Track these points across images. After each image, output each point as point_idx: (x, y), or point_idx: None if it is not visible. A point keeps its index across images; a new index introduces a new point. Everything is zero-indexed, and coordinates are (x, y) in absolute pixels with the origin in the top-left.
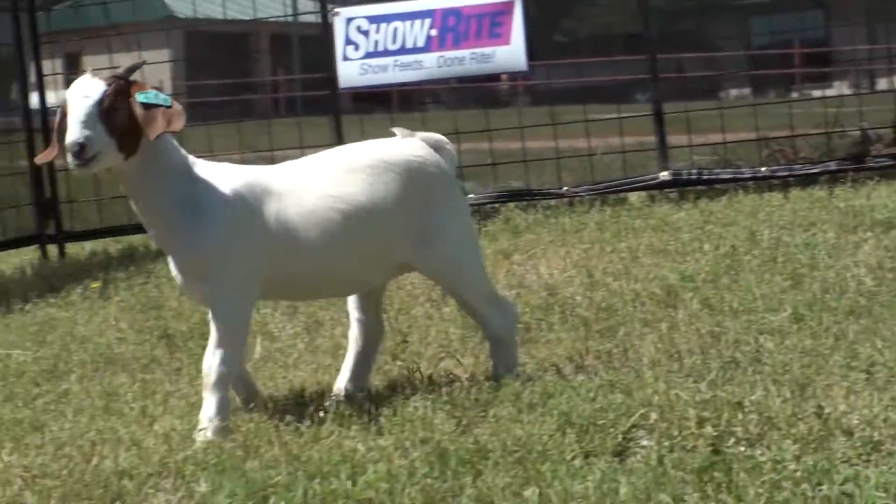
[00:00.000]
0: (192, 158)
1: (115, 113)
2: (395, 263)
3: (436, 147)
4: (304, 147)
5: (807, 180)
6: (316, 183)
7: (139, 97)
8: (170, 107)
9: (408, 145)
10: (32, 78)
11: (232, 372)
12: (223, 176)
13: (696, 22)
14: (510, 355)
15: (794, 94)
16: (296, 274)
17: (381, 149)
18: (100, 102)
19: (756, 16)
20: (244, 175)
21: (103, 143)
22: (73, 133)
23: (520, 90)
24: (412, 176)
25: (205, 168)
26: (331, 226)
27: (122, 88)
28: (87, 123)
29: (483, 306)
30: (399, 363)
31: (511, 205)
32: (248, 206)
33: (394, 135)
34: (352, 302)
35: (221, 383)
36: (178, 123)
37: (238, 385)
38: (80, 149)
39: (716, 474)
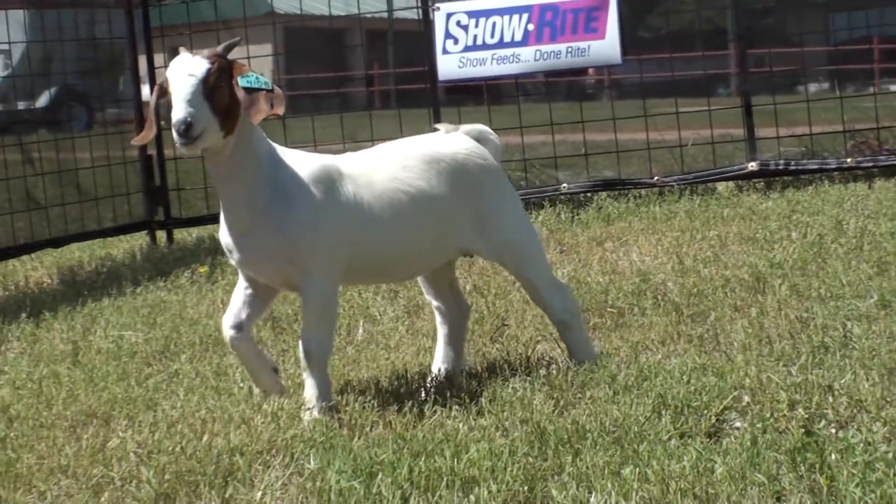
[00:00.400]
0: (271, 142)
1: (219, 91)
2: (455, 248)
3: (479, 138)
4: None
5: (891, 171)
6: (381, 169)
7: (241, 81)
8: (271, 90)
9: (454, 139)
10: (143, 70)
11: (329, 351)
12: (302, 161)
13: (779, 18)
14: (580, 339)
15: (875, 88)
16: (370, 253)
17: (431, 143)
18: (204, 80)
19: (836, 13)
20: (319, 161)
21: (208, 121)
22: (180, 111)
23: (608, 83)
24: (460, 167)
25: (284, 153)
26: (399, 206)
27: (224, 66)
28: (192, 101)
29: (546, 288)
30: (497, 346)
31: (603, 194)
32: (329, 189)
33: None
34: (427, 291)
35: (321, 363)
36: (281, 107)
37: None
38: (188, 127)
39: (808, 455)
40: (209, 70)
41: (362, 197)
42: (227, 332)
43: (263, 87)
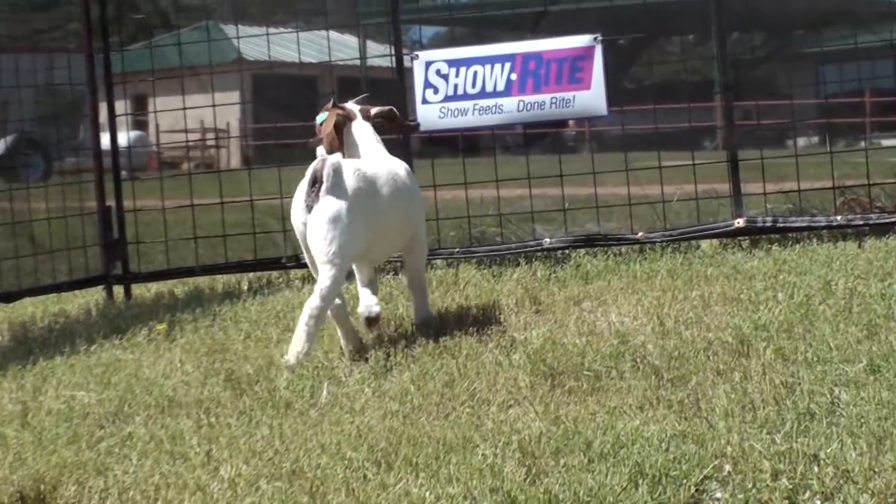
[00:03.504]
0: None
1: None
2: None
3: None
4: None
5: (882, 230)
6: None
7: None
8: None
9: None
10: (103, 118)
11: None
12: None
13: (767, 69)
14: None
15: (866, 143)
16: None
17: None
18: None
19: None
20: None
21: None
22: None
23: (589, 136)
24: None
25: None
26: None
27: None
28: None
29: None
30: (467, 409)
31: (581, 251)
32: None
33: None
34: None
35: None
36: None
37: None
38: None
39: None
40: None
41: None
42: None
43: None
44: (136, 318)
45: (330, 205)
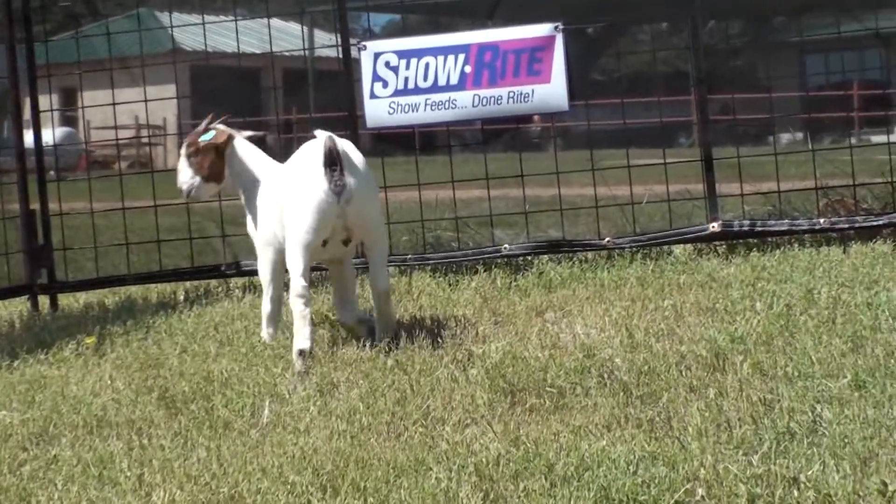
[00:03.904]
0: None
1: None
2: None
3: None
4: None
5: (869, 233)
6: None
7: None
8: None
9: None
10: (27, 115)
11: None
12: None
13: (746, 60)
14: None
15: (854, 139)
16: None
17: None
18: None
19: (811, 55)
20: None
21: None
22: None
23: (553, 132)
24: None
25: None
26: None
27: None
28: None
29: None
30: (420, 429)
31: (545, 258)
32: None
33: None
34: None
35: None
36: None
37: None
38: None
39: None
40: None
41: None
42: None
43: None
44: (62, 330)
45: (368, 178)
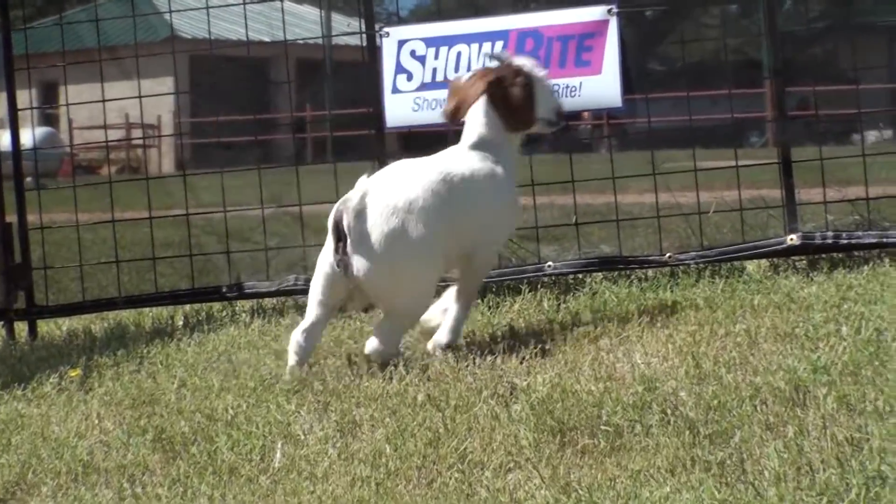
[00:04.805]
0: None
1: None
2: None
3: None
4: None
5: None
6: None
7: None
8: None
9: None
10: (2, 113)
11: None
12: None
13: (828, 47)
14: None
15: None
16: None
17: None
18: None
19: None
20: None
21: None
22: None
23: (607, 131)
24: None
25: None
26: None
27: None
28: None
29: None
30: (456, 475)
31: (598, 275)
32: None
33: None
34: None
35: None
36: None
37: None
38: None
39: None
40: None
41: None
42: None
43: None
44: (42, 361)
45: (391, 244)
